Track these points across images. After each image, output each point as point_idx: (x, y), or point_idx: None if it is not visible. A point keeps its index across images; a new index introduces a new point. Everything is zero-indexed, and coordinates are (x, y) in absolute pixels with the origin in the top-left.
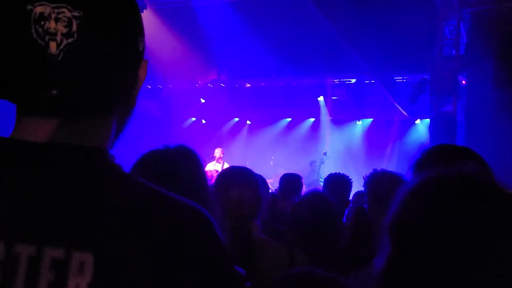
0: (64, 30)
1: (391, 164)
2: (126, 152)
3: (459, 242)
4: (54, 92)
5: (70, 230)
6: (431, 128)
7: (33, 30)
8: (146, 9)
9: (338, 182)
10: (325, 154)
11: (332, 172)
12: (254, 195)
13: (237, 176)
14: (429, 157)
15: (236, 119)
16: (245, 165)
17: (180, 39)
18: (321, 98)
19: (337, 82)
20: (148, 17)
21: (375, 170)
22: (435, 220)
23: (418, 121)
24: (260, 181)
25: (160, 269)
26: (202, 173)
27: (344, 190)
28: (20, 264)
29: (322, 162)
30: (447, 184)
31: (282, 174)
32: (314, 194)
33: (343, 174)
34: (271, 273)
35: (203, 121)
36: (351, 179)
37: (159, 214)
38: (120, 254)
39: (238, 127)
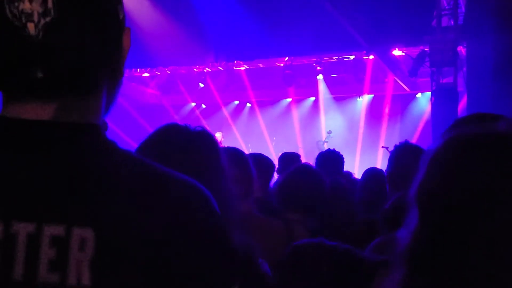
0: (40, 9)
1: (393, 139)
2: (126, 140)
3: (499, 208)
4: (40, 74)
5: (69, 207)
6: (433, 100)
7: (7, 11)
8: None
9: (330, 159)
10: (329, 133)
11: (323, 150)
12: (242, 174)
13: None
14: (462, 124)
15: (236, 102)
16: (247, 148)
17: (175, 24)
18: (320, 77)
19: (335, 60)
20: (143, 2)
21: (401, 143)
22: (464, 184)
23: (419, 95)
24: (250, 160)
25: (160, 243)
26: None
27: (337, 166)
28: (19, 243)
29: (326, 141)
30: (472, 144)
31: (281, 153)
32: (299, 168)
33: (334, 150)
34: (270, 251)
35: (203, 106)
36: (341, 154)
37: (157, 189)
38: (121, 229)
39: (238, 110)
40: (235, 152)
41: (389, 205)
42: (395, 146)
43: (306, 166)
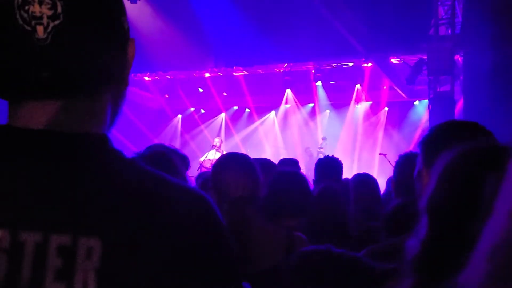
0: (50, 13)
1: (391, 145)
2: (128, 144)
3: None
4: (45, 74)
5: (76, 216)
6: (430, 108)
7: (18, 16)
8: (139, 0)
9: (328, 166)
10: (324, 139)
11: (321, 157)
12: (249, 179)
13: (233, 160)
14: (439, 133)
15: (235, 107)
16: (246, 153)
17: (176, 29)
18: (319, 83)
19: (334, 66)
20: (142, 8)
21: (405, 152)
22: (473, 195)
23: (416, 102)
24: (257, 166)
25: (167, 251)
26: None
27: (336, 173)
28: (26, 252)
29: (320, 147)
30: (482, 158)
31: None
32: (279, 175)
33: (332, 156)
34: (269, 257)
35: (202, 111)
36: (340, 161)
37: (164, 198)
38: (127, 238)
39: (237, 115)
40: (241, 157)
41: (390, 211)
42: (400, 155)
43: (286, 172)
